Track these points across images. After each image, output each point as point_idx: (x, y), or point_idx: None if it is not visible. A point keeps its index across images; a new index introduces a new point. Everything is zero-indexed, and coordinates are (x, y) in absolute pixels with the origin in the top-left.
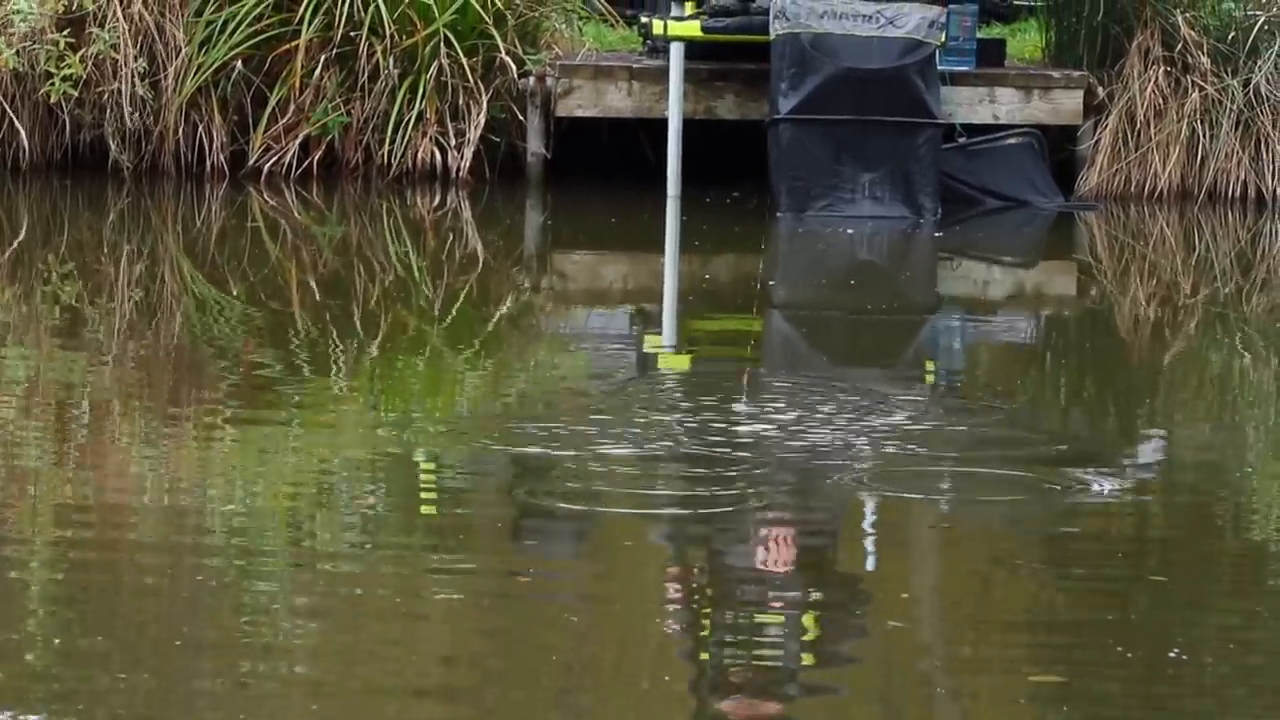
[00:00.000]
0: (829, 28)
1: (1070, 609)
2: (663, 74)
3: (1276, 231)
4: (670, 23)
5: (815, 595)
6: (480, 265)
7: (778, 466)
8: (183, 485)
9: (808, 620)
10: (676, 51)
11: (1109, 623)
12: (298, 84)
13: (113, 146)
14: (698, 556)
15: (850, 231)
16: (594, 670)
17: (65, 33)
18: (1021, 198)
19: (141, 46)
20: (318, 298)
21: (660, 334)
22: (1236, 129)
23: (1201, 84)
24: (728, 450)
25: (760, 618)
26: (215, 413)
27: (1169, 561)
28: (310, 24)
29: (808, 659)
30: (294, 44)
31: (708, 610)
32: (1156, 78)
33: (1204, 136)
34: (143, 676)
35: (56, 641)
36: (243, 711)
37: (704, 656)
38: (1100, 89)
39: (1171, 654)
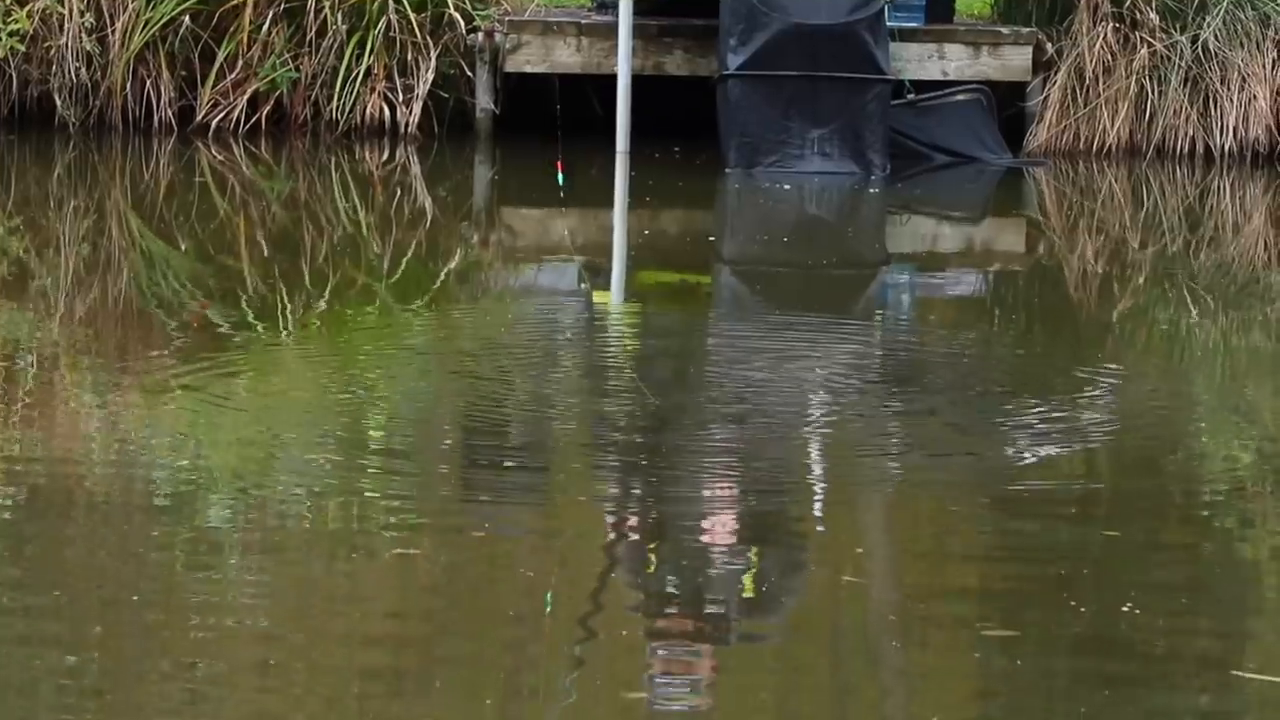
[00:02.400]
0: None
1: (1022, 563)
2: (611, 30)
3: (1224, 187)
4: None
5: (761, 549)
6: (429, 220)
7: (725, 414)
8: (129, 438)
9: (751, 574)
10: (625, 7)
11: (1061, 577)
12: (246, 39)
13: (59, 102)
14: (648, 507)
15: (786, 187)
16: (543, 621)
17: None
18: (970, 154)
19: (89, 2)
20: (266, 253)
21: (608, 287)
22: (1185, 85)
23: (1150, 40)
24: (676, 397)
25: (707, 569)
26: (163, 366)
27: (1120, 516)
28: None
29: (750, 609)
30: None
31: (656, 562)
32: (1105, 34)
33: (1152, 93)
34: (93, 629)
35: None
36: (193, 658)
37: (649, 607)
38: (1049, 45)
39: (1124, 608)
